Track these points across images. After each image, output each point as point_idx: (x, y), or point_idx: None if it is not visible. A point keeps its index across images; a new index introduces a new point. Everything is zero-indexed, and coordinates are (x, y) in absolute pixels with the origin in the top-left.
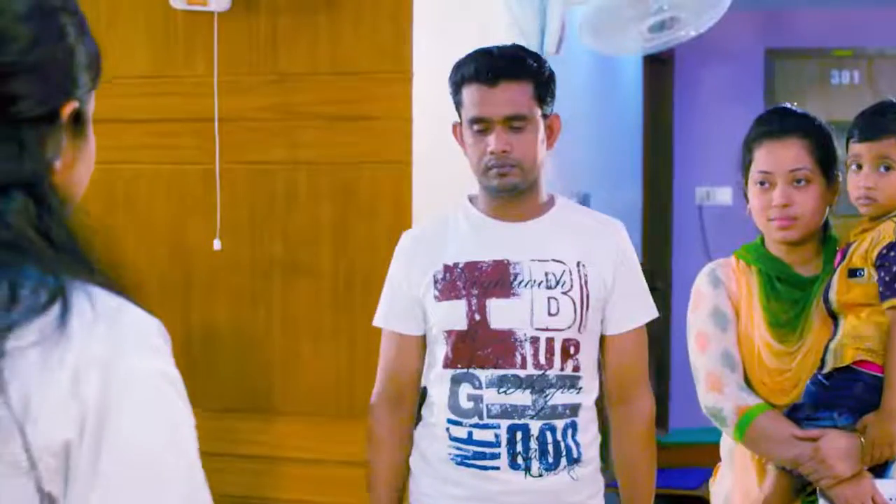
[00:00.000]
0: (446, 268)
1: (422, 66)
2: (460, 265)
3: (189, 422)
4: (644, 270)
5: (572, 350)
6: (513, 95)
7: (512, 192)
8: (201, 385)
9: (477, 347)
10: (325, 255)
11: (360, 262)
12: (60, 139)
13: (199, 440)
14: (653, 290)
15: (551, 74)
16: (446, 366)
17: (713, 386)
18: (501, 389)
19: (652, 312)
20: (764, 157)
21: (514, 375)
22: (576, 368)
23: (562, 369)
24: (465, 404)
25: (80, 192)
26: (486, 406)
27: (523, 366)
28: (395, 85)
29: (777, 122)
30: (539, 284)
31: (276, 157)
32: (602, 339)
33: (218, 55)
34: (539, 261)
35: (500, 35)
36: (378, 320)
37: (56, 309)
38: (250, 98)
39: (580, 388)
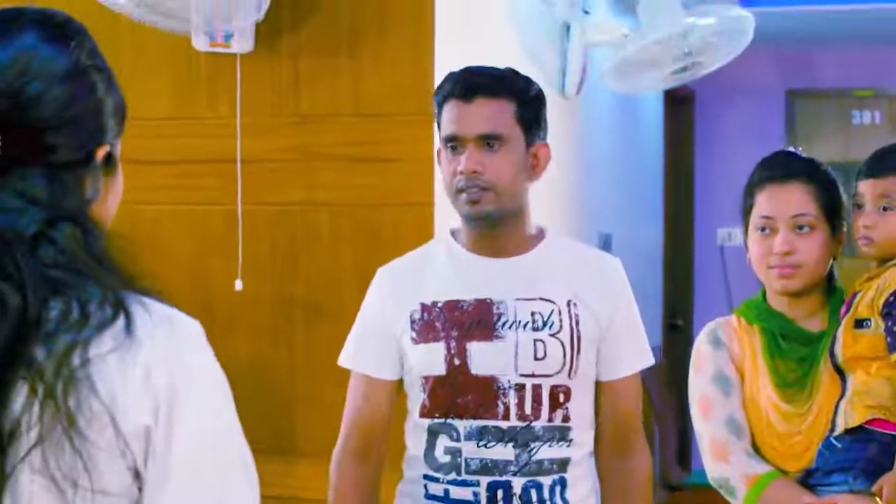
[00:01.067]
0: (424, 307)
1: None
2: (439, 304)
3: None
4: (665, 308)
5: (562, 398)
6: (489, 112)
7: (486, 222)
8: None
9: (456, 395)
10: (347, 297)
11: None
12: (97, 178)
13: None
14: (674, 327)
15: (539, 98)
16: (423, 415)
17: (719, 455)
18: (481, 442)
19: (648, 359)
20: (765, 201)
21: (495, 427)
22: (566, 418)
23: (550, 420)
24: (442, 458)
25: (109, 220)
26: (465, 460)
27: (506, 416)
28: (417, 126)
29: (780, 167)
30: (525, 326)
31: (297, 198)
32: (597, 385)
33: (241, 97)
34: (525, 300)
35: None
36: (345, 360)
37: (121, 319)
38: (272, 139)
39: (570, 441)
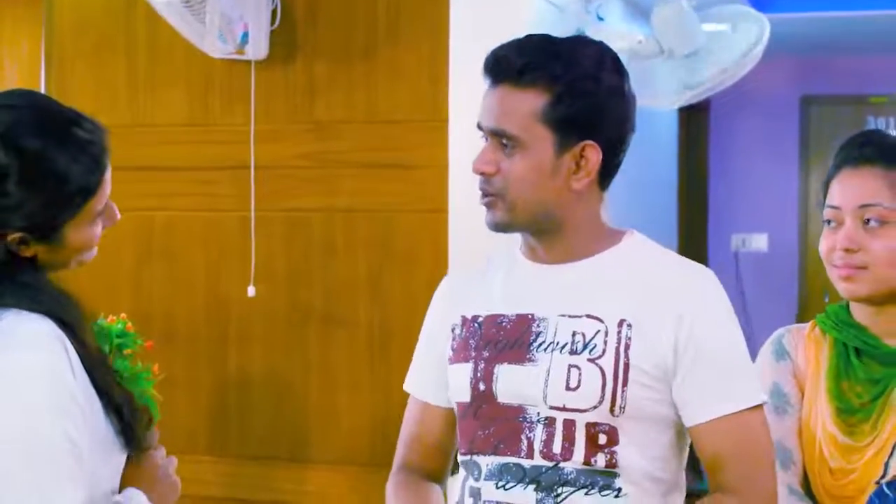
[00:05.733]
0: (464, 321)
1: (458, 113)
2: (480, 318)
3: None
4: None
5: (603, 440)
6: (507, 105)
7: (506, 232)
8: (236, 433)
9: (478, 426)
10: (362, 304)
11: (397, 311)
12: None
13: (234, 488)
14: None
15: (591, 88)
16: (459, 450)
17: None
18: (500, 483)
19: (751, 396)
20: (836, 189)
21: (515, 465)
22: (610, 465)
23: (587, 463)
24: (466, 501)
25: (72, 263)
26: None
27: (529, 454)
28: (432, 133)
29: (857, 148)
30: (562, 348)
31: (311, 204)
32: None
33: (255, 104)
34: (569, 317)
35: None
36: (406, 383)
37: None
38: (287, 146)
39: (619, 492)
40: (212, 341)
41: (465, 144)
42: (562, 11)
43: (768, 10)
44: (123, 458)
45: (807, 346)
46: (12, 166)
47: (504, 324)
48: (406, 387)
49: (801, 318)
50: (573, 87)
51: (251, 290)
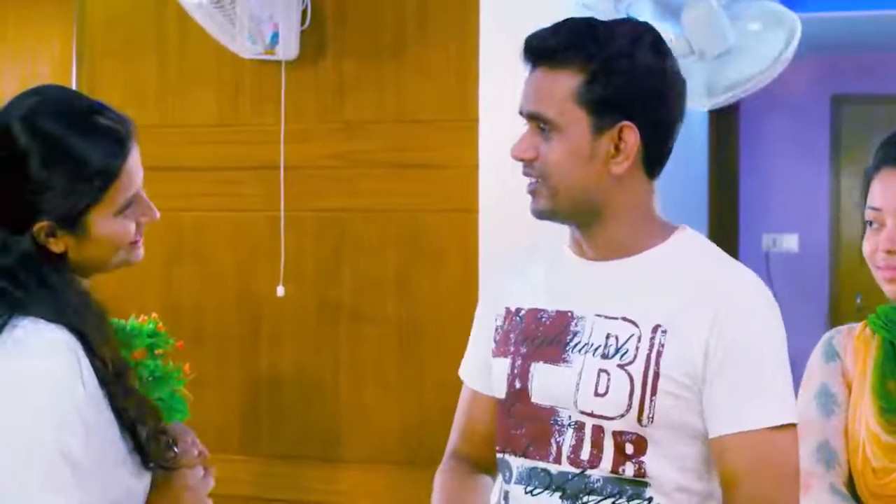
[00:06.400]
0: (508, 313)
1: (488, 113)
2: (522, 312)
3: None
4: None
5: (630, 449)
6: (543, 87)
7: (550, 220)
8: (266, 431)
9: (512, 425)
10: (391, 303)
11: (426, 310)
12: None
13: (265, 487)
14: None
15: (627, 66)
16: (496, 446)
17: (803, 485)
18: (528, 487)
19: (778, 414)
20: (876, 189)
21: (543, 470)
22: (639, 474)
23: (615, 472)
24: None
25: (99, 261)
26: None
27: (557, 459)
28: (462, 132)
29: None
30: (595, 350)
31: (341, 204)
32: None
33: (285, 104)
34: (605, 317)
35: None
36: (460, 368)
37: None
38: (316, 146)
39: (649, 502)
40: (242, 341)
41: (494, 144)
42: (591, 11)
43: (798, 9)
44: (146, 476)
45: (856, 347)
46: (32, 147)
47: (544, 319)
48: (460, 372)
49: (832, 319)
50: (608, 66)
51: (280, 290)
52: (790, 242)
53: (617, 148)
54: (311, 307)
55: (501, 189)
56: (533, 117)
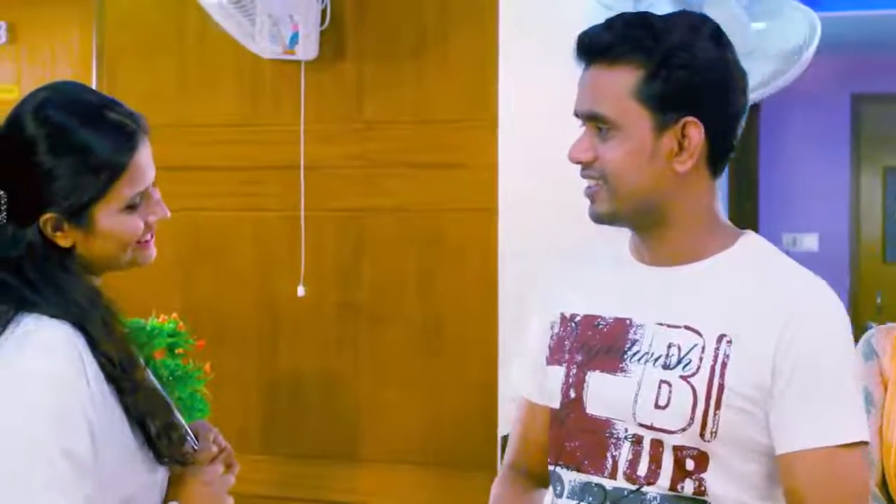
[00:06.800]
0: (563, 319)
1: (508, 113)
2: (578, 318)
3: None
4: None
5: (691, 465)
6: (599, 85)
7: (609, 224)
8: (287, 431)
9: (565, 436)
10: (411, 303)
11: (446, 309)
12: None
13: (286, 486)
14: None
15: (690, 61)
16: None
17: None
18: (581, 503)
19: (850, 431)
20: None
21: (597, 486)
22: (699, 492)
23: (673, 489)
24: None
25: (106, 255)
26: None
27: (612, 474)
28: (481, 132)
29: None
30: (655, 360)
31: (361, 204)
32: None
33: (304, 104)
34: (667, 326)
35: None
36: (514, 379)
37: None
38: (336, 146)
39: None
40: (262, 340)
41: (514, 143)
42: (611, 10)
43: (818, 8)
44: (160, 471)
45: (894, 346)
46: (39, 136)
47: (601, 326)
48: (514, 383)
49: (852, 318)
50: (667, 60)
51: (301, 290)
52: (810, 242)
53: (680, 145)
54: (331, 307)
55: (521, 188)
56: (590, 118)
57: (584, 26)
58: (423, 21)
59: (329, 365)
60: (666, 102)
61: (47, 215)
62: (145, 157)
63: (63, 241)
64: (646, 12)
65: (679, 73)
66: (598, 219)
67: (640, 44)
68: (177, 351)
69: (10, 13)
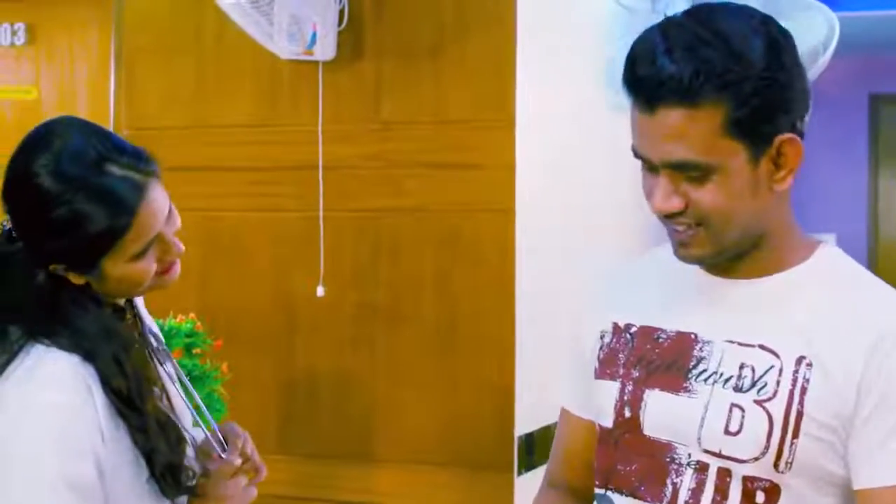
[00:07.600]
0: (615, 329)
1: (525, 113)
2: (633, 328)
3: None
4: None
5: (761, 498)
6: (681, 129)
7: (702, 264)
8: (303, 431)
9: (619, 458)
10: (429, 303)
11: (464, 310)
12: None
13: (303, 487)
14: None
15: (773, 77)
16: (595, 479)
17: None
18: None
19: None
20: None
21: None
22: None
23: None
24: None
25: (118, 292)
26: None
27: (672, 503)
28: (499, 132)
29: None
30: (725, 381)
31: (378, 204)
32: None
33: (322, 104)
34: (739, 344)
35: (604, 81)
36: (560, 391)
37: (11, 358)
38: (354, 146)
39: None
40: (279, 341)
41: (531, 144)
42: (629, 11)
43: (836, 8)
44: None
45: None
46: (40, 199)
47: (661, 340)
48: (559, 395)
49: None
50: (757, 88)
51: (320, 290)
52: (828, 242)
53: (776, 164)
54: (349, 307)
55: (539, 189)
56: (679, 167)
57: (603, 27)
58: (440, 21)
59: (346, 365)
60: (759, 129)
61: (55, 265)
62: (154, 205)
63: (76, 280)
64: (689, 30)
65: (768, 94)
66: (695, 261)
67: (725, 79)
68: (194, 351)
69: (29, 14)
